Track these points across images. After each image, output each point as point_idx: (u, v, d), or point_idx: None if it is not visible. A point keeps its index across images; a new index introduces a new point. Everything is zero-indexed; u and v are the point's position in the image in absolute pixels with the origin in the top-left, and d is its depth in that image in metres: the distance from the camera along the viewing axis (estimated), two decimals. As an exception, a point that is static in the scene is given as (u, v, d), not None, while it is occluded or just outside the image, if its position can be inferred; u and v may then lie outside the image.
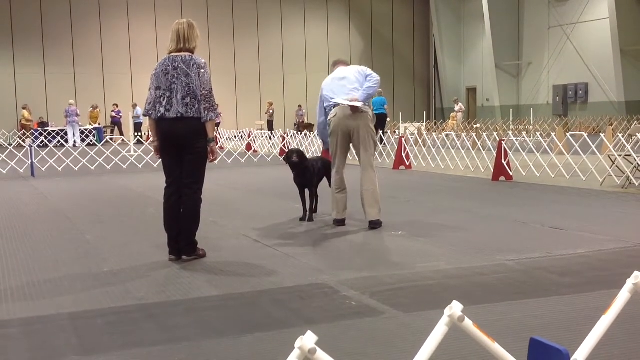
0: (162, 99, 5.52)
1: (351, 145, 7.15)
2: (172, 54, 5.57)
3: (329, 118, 7.14)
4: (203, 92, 5.47)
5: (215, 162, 5.92)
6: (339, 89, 7.13)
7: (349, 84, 7.15)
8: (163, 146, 5.61)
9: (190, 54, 5.56)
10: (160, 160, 5.74)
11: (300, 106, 36.57)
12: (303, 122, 35.04)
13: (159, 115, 5.52)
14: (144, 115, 5.75)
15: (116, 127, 32.27)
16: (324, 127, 7.32)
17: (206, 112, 5.47)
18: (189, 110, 5.45)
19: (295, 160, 7.42)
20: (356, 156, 7.18)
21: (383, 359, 3.31)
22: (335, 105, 7.10)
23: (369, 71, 7.26)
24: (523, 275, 4.89)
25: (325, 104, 7.28)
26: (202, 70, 5.49)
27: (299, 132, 22.93)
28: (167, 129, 5.52)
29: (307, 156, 7.77)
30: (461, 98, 37.14)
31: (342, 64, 7.61)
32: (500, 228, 6.98)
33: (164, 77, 5.52)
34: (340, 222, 7.21)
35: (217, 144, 5.70)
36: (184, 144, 5.50)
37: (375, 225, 6.96)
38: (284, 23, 38.45)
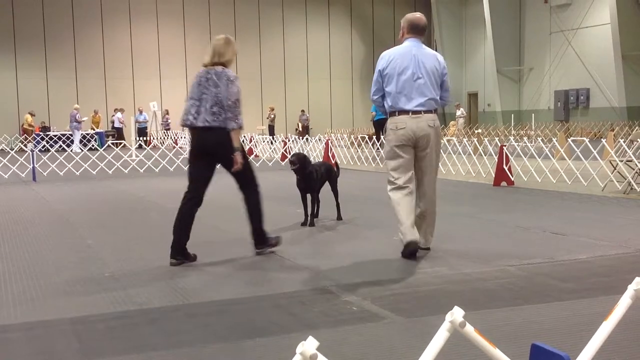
0: (192, 108, 5.77)
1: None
2: (207, 67, 5.89)
3: (392, 126, 5.73)
4: (229, 102, 5.70)
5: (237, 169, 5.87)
6: (412, 89, 5.70)
7: (427, 90, 5.71)
8: (192, 153, 5.86)
9: (222, 67, 5.87)
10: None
11: (303, 111, 36.58)
12: (307, 126, 35.06)
13: (188, 123, 5.78)
14: (181, 125, 5.98)
15: (117, 132, 32.30)
16: (379, 104, 5.96)
17: (229, 121, 5.68)
18: (216, 119, 5.67)
19: (295, 167, 7.44)
20: (417, 171, 5.88)
21: (384, 365, 3.30)
22: (402, 111, 5.70)
23: (446, 75, 5.90)
24: (524, 280, 4.88)
25: (388, 105, 5.80)
26: (231, 82, 5.79)
27: (300, 137, 22.93)
28: (197, 137, 5.80)
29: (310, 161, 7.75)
30: (463, 103, 37.17)
31: (419, 33, 5.86)
32: (502, 233, 6.97)
33: (197, 88, 5.81)
34: (415, 250, 5.73)
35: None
36: (214, 153, 5.75)
37: (427, 250, 5.96)
38: (285, 28, 38.54)
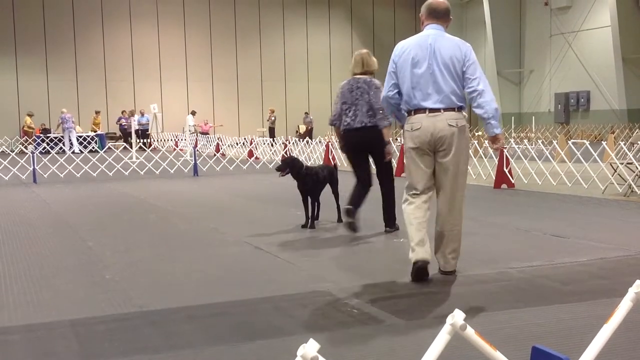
0: (348, 111, 7.04)
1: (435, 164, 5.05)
2: (356, 76, 7.07)
3: (408, 127, 5.02)
4: (379, 105, 6.79)
5: (390, 159, 7.15)
6: (427, 84, 4.91)
7: (445, 84, 4.89)
8: (351, 150, 7.22)
9: (369, 76, 7.05)
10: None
11: (307, 113, 36.50)
12: (311, 129, 34.99)
13: (345, 125, 7.06)
14: (330, 125, 7.36)
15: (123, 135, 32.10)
16: (392, 107, 5.22)
17: (381, 121, 6.87)
18: (370, 121, 6.91)
19: (282, 173, 7.52)
20: (437, 180, 5.08)
21: (384, 367, 3.30)
22: (418, 109, 4.95)
23: (472, 64, 4.90)
24: (525, 283, 4.88)
25: (402, 105, 5.09)
26: (378, 89, 6.83)
27: (301, 140, 22.93)
28: (354, 136, 7.05)
29: (309, 164, 7.76)
30: (463, 105, 37.13)
31: (440, 18, 5.04)
32: (502, 236, 6.97)
33: (349, 94, 7.03)
34: (425, 263, 4.99)
35: (390, 144, 6.94)
36: (370, 147, 7.07)
37: (449, 275, 5.07)
38: (286, 30, 38.56)
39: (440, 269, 5.15)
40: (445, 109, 4.91)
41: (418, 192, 5.08)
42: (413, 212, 5.06)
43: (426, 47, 4.94)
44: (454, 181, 5.01)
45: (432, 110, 4.91)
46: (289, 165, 7.53)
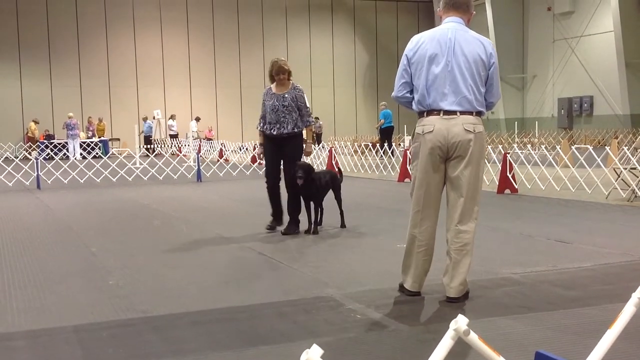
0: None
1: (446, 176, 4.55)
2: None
3: (419, 130, 4.53)
4: None
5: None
6: (444, 83, 4.44)
7: (465, 84, 4.45)
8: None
9: None
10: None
11: (317, 118, 36.43)
12: (320, 134, 34.94)
13: None
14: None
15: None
16: (406, 102, 4.68)
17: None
18: None
19: (300, 179, 7.40)
20: (449, 191, 4.58)
21: (388, 373, 3.30)
22: (431, 110, 4.49)
23: (494, 66, 4.63)
24: (528, 288, 4.87)
25: (414, 105, 4.61)
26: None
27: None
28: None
29: (314, 168, 7.75)
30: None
31: (461, 10, 4.58)
32: (506, 241, 6.96)
33: None
34: (413, 294, 4.70)
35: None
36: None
37: (455, 301, 4.51)
38: (289, 36, 38.65)
39: (447, 296, 4.56)
40: (463, 112, 4.45)
41: (416, 214, 4.64)
42: (412, 238, 4.73)
43: (445, 41, 4.46)
44: (467, 194, 4.46)
45: (447, 112, 4.43)
46: (306, 171, 7.43)
